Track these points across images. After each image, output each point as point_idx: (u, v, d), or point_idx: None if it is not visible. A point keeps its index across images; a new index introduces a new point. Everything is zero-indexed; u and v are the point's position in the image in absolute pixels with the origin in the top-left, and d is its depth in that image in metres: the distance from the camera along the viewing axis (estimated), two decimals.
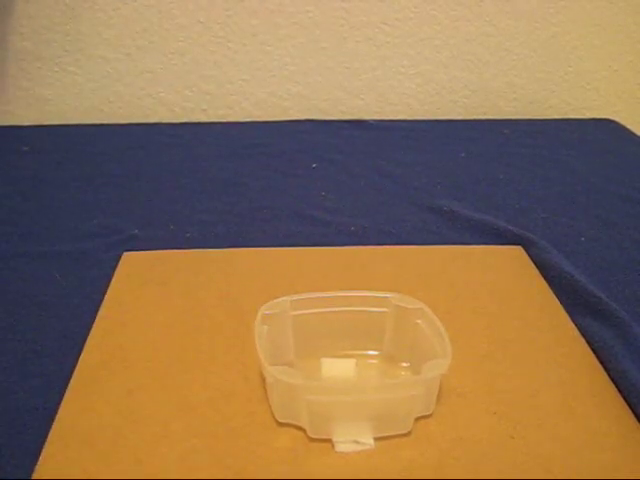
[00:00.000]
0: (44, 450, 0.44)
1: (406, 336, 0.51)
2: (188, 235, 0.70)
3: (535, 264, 0.66)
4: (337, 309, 0.51)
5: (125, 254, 0.66)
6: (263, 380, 0.48)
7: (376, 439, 0.45)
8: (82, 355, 0.52)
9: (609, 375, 0.52)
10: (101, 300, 0.58)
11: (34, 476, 0.42)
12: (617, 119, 1.05)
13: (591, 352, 0.55)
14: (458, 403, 0.49)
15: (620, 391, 0.50)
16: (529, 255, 0.67)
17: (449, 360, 0.46)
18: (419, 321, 0.50)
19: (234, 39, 0.99)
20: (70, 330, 0.55)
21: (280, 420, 0.46)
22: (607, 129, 1.03)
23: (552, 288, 0.62)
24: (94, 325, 0.55)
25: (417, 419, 0.46)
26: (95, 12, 0.96)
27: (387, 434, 0.45)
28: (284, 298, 0.51)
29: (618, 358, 0.52)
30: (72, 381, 0.50)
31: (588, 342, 0.56)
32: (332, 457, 0.44)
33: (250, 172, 0.85)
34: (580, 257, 0.67)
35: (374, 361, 0.53)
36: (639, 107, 1.11)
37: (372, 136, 0.97)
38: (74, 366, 0.51)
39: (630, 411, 0.49)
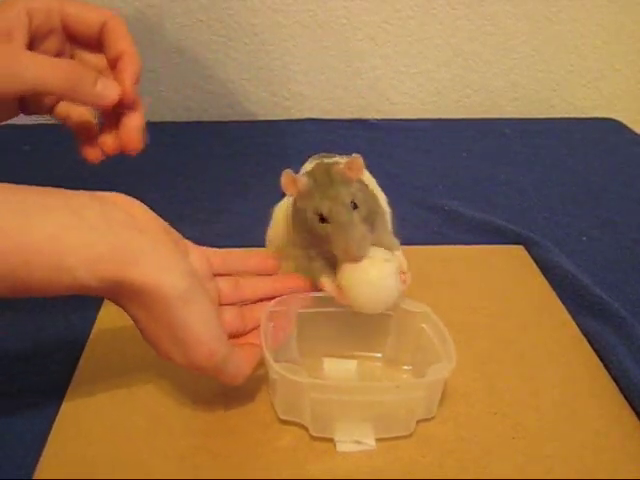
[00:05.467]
0: (45, 450, 0.44)
1: (409, 339, 0.51)
2: (189, 235, 0.70)
3: (537, 264, 0.66)
4: (342, 309, 0.51)
5: None
6: (266, 377, 0.48)
7: (378, 440, 0.45)
8: (83, 354, 0.52)
9: (610, 375, 0.52)
10: (102, 299, 0.58)
11: (35, 476, 0.42)
12: (619, 118, 1.05)
13: (592, 352, 0.55)
14: (459, 403, 0.49)
15: (621, 391, 0.50)
16: (531, 255, 0.67)
17: (453, 365, 0.45)
18: (423, 325, 0.50)
19: (235, 38, 0.99)
20: (71, 329, 0.55)
21: (282, 417, 0.46)
22: (609, 128, 1.02)
23: (554, 288, 0.62)
24: (95, 324, 0.55)
25: (419, 420, 0.46)
26: None
27: (389, 435, 0.45)
28: (289, 296, 0.51)
29: (619, 358, 0.52)
30: (73, 380, 0.50)
31: (589, 342, 0.56)
32: (333, 457, 0.44)
33: (251, 171, 0.85)
34: (582, 257, 0.67)
35: (376, 363, 0.52)
36: None
37: (373, 135, 0.97)
38: (75, 365, 0.51)
39: (631, 411, 0.49)
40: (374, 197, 0.51)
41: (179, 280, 0.40)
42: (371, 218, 0.48)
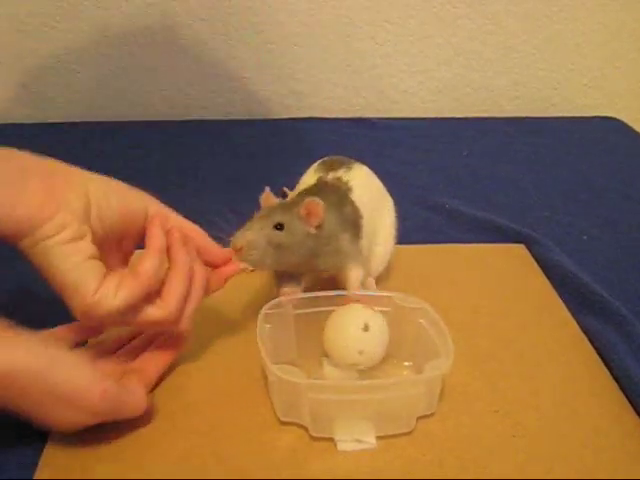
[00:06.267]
0: (45, 450, 0.44)
1: (408, 335, 0.51)
2: None
3: (537, 262, 0.66)
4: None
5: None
6: (265, 379, 0.48)
7: (378, 438, 0.45)
8: None
9: (611, 374, 0.52)
10: None
11: (35, 476, 0.42)
12: (620, 117, 1.05)
13: (593, 350, 0.54)
14: (460, 401, 0.49)
15: (622, 390, 0.50)
16: (531, 253, 0.67)
17: (451, 361, 0.45)
18: (422, 320, 0.50)
19: (236, 37, 0.99)
20: None
21: (282, 419, 0.46)
22: (610, 127, 1.02)
23: (554, 286, 0.62)
24: None
25: (419, 418, 0.46)
26: (97, 10, 0.96)
27: (389, 433, 0.45)
28: (286, 297, 0.51)
29: (620, 356, 0.52)
30: None
31: (590, 340, 0.56)
32: (334, 456, 0.44)
33: (251, 170, 0.85)
34: (582, 255, 0.67)
35: None
36: None
37: (374, 134, 0.97)
38: None
39: (632, 410, 0.49)
40: (342, 246, 0.52)
41: (32, 355, 0.41)
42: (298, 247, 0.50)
